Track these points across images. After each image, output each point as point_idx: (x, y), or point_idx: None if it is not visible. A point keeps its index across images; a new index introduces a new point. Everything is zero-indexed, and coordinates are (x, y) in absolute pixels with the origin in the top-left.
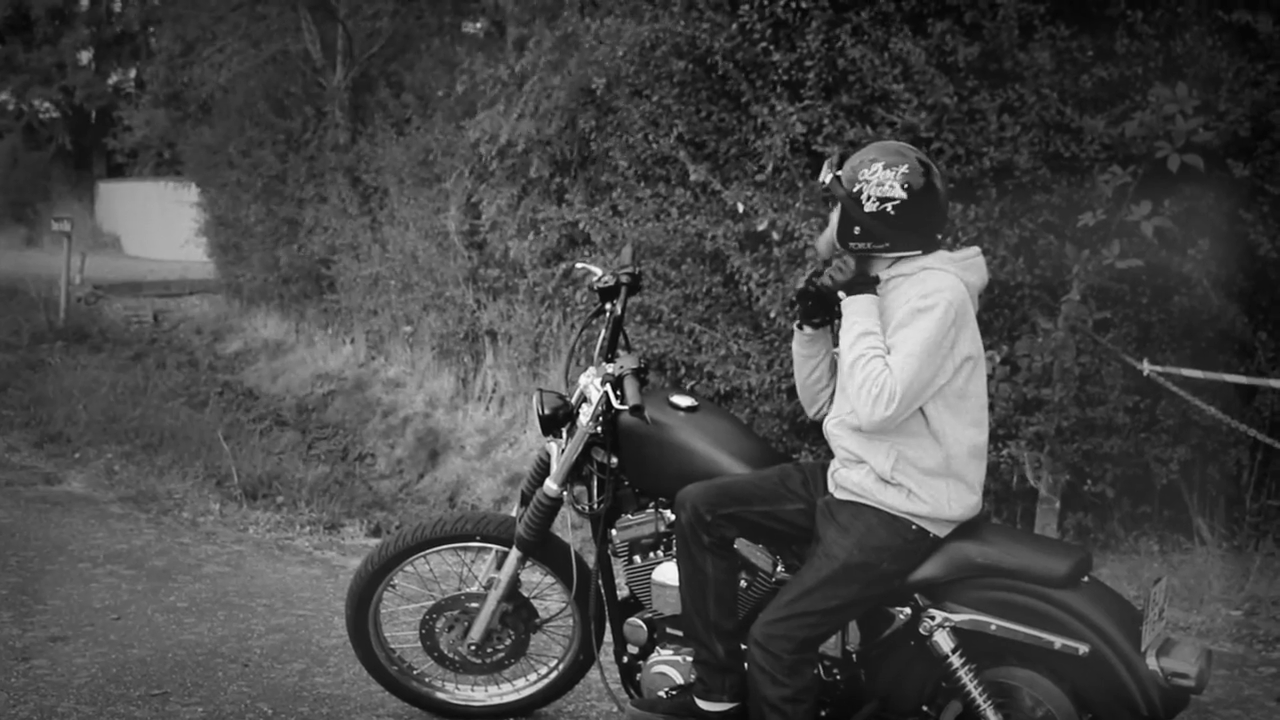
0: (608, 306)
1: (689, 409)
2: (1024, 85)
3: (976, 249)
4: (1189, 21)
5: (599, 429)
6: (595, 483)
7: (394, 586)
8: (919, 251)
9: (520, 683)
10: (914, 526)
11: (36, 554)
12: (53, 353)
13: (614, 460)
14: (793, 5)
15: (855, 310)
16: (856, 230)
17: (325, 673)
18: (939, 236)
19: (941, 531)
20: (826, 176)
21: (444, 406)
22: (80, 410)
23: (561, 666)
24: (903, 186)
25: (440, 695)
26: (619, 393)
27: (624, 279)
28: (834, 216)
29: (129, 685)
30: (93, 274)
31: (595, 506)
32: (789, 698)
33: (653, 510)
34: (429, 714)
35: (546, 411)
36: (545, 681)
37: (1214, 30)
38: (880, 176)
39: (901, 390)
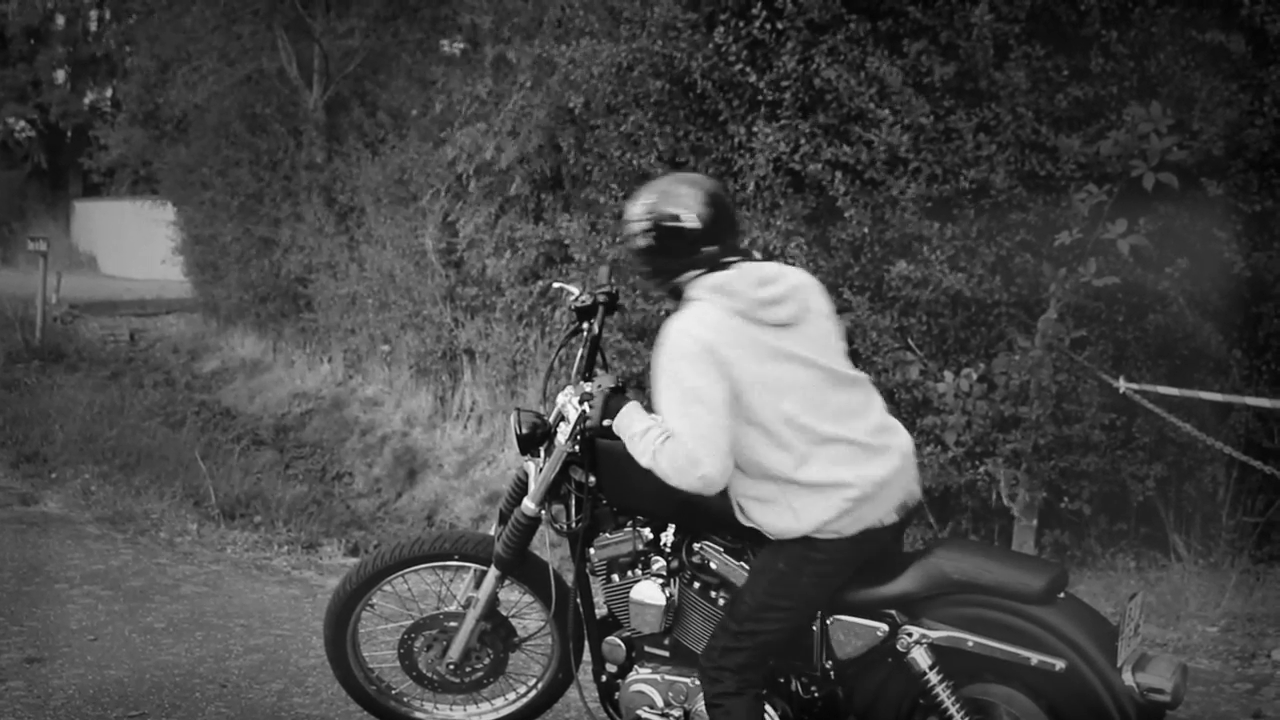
0: (585, 325)
1: None
2: (1000, 105)
3: (738, 260)
4: (1163, 41)
5: (577, 448)
6: (573, 501)
7: (372, 606)
8: (696, 271)
9: (499, 702)
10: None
11: (13, 575)
12: (29, 372)
13: (592, 479)
14: (768, 26)
15: (625, 424)
16: (645, 270)
17: (303, 693)
18: (729, 241)
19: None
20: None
21: (422, 425)
22: (57, 430)
23: (540, 685)
24: (646, 219)
25: (419, 715)
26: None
27: (601, 298)
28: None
29: (106, 706)
30: (69, 293)
31: (573, 525)
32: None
33: (630, 529)
34: None
35: (524, 430)
36: (524, 701)
37: (1188, 50)
38: (630, 218)
39: (692, 444)
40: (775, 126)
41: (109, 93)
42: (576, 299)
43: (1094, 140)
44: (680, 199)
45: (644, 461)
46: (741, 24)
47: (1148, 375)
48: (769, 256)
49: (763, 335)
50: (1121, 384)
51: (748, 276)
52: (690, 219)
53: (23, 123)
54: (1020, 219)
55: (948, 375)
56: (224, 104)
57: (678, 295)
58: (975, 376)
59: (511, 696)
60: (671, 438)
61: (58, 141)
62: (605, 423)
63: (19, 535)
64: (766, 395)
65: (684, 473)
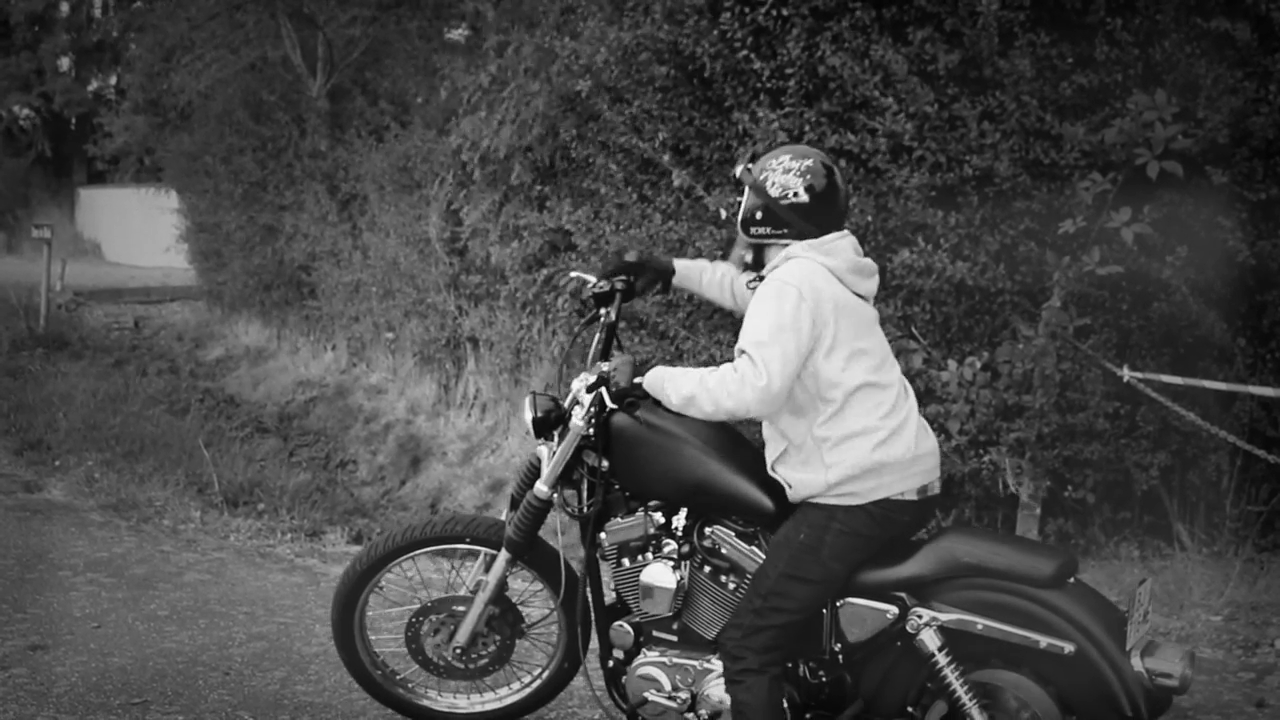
0: (602, 312)
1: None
2: (1004, 92)
3: (843, 232)
4: (1168, 29)
5: (592, 430)
6: (585, 486)
7: (381, 589)
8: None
9: (503, 691)
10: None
11: (16, 562)
12: (33, 360)
13: (604, 464)
14: (773, 13)
15: (659, 374)
16: (758, 215)
17: (306, 681)
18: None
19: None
20: (738, 168)
21: (426, 413)
22: (60, 418)
23: (545, 675)
24: (804, 179)
25: (423, 702)
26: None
27: (619, 285)
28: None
29: (109, 694)
30: (73, 281)
31: (585, 510)
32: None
33: (642, 513)
34: None
35: (539, 414)
36: (528, 690)
37: (1192, 38)
38: (786, 166)
39: (770, 363)
40: (779, 114)
41: (113, 80)
42: (594, 285)
43: (1098, 128)
44: (821, 173)
45: (688, 389)
46: (746, 10)
47: (1152, 364)
48: None
49: (852, 299)
50: (1125, 372)
51: (849, 241)
52: (830, 193)
53: (27, 110)
54: (1024, 207)
55: (951, 364)
56: (228, 92)
57: (759, 257)
58: (979, 365)
59: (516, 686)
60: (746, 356)
61: (62, 129)
62: (637, 380)
63: (22, 522)
64: (842, 353)
65: (748, 384)
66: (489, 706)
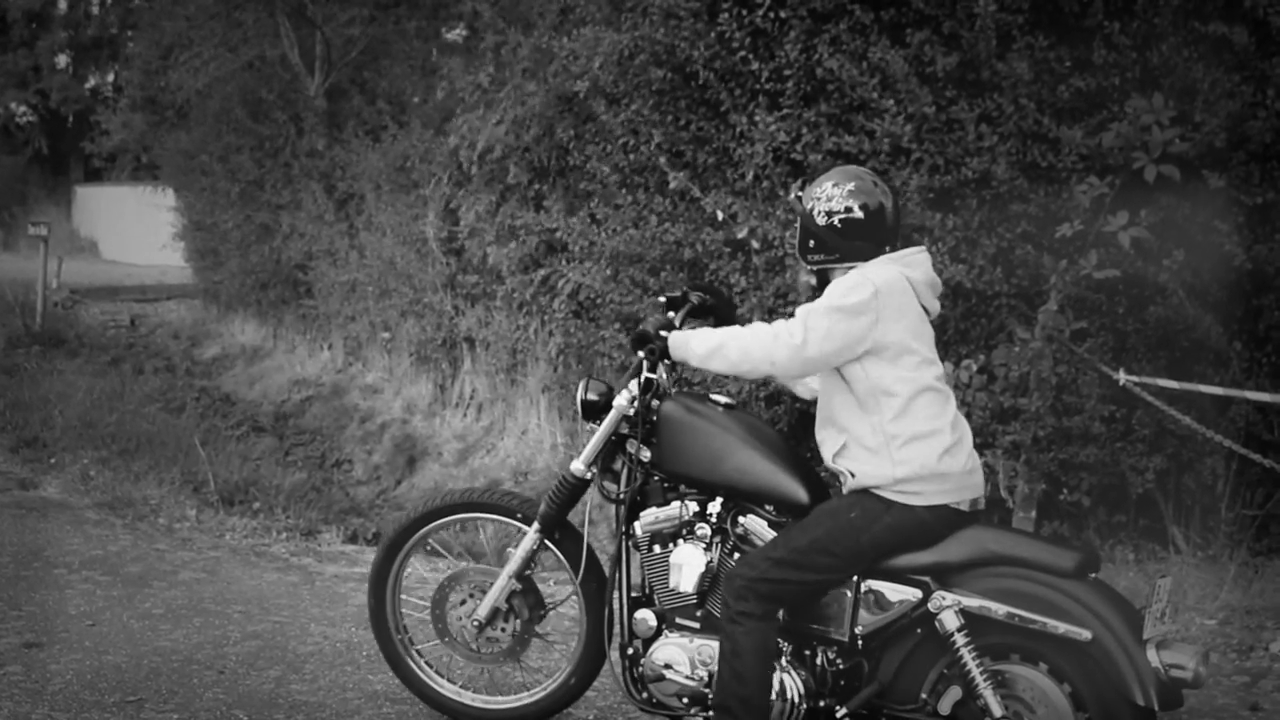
0: (670, 315)
1: (726, 406)
2: (1002, 95)
3: (920, 247)
4: (1166, 33)
5: (634, 410)
6: (625, 474)
7: (427, 548)
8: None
9: (508, 697)
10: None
11: (11, 560)
12: (29, 357)
13: (645, 454)
14: (771, 15)
15: (682, 339)
16: (811, 244)
17: (301, 680)
18: (888, 249)
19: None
20: (790, 196)
21: (422, 413)
22: (56, 415)
23: (552, 687)
24: (849, 202)
25: (429, 679)
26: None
27: (693, 298)
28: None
29: (104, 692)
30: (70, 278)
31: (621, 495)
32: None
33: (678, 504)
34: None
35: (591, 396)
36: (532, 699)
37: (1190, 41)
38: (829, 193)
39: (814, 333)
40: (776, 116)
41: (111, 78)
42: (670, 288)
43: (1096, 132)
44: (868, 191)
45: (715, 339)
46: (744, 12)
47: (1148, 367)
48: (767, 247)
49: (921, 312)
50: (1121, 376)
51: (925, 255)
52: (876, 212)
53: (24, 108)
54: (1021, 210)
55: (947, 366)
56: (225, 90)
57: (824, 280)
58: (975, 368)
59: (523, 694)
60: (796, 318)
61: (59, 127)
62: (663, 333)
63: (18, 520)
64: (913, 358)
65: (781, 339)
66: (491, 706)
